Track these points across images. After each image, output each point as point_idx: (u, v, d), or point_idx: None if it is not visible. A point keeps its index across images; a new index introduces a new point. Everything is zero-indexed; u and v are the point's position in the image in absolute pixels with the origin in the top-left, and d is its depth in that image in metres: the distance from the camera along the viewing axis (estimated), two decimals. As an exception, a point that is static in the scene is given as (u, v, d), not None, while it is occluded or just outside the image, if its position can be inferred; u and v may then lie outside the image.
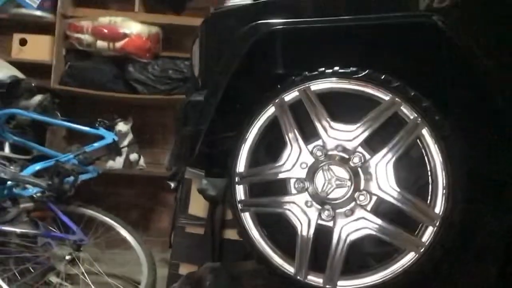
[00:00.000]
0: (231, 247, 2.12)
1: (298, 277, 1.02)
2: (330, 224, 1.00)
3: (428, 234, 0.95)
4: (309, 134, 1.04)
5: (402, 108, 0.97)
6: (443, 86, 1.02)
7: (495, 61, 0.95)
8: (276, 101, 1.07)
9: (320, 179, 1.02)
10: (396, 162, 0.97)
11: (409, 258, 0.95)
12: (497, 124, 0.99)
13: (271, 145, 1.09)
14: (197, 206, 2.20)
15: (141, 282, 2.90)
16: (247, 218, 1.07)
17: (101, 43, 3.53)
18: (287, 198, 1.04)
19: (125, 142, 3.62)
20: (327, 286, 0.99)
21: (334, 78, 1.03)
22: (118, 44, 3.53)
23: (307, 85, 1.04)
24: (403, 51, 1.05)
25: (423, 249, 0.94)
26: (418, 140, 0.97)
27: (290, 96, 1.06)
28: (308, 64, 1.09)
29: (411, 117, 0.97)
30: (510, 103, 0.96)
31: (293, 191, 1.04)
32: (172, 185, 2.52)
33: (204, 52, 1.20)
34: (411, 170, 0.97)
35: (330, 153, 1.02)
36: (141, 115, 3.84)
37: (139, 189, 3.88)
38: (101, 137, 3.18)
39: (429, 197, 0.95)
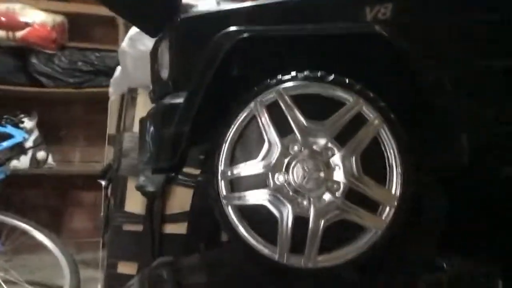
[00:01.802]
0: (171, 242, 2.17)
1: (281, 261, 1.14)
2: (307, 211, 1.15)
3: (386, 214, 1.15)
4: (284, 131, 1.16)
5: (364, 108, 1.15)
6: (386, 87, 1.22)
7: (425, 63, 1.18)
8: (254, 102, 1.17)
9: (296, 171, 1.16)
10: (359, 154, 1.15)
11: (373, 235, 1.14)
12: (431, 121, 1.22)
13: (245, 143, 1.20)
14: (134, 203, 2.21)
15: (64, 286, 2.80)
16: (230, 212, 1.17)
17: (-3, 33, 3.25)
18: (267, 191, 1.16)
19: (31, 140, 3.40)
20: (308, 265, 1.13)
21: (306, 82, 1.17)
22: (19, 34, 3.29)
23: (282, 87, 1.17)
24: (351, 57, 1.23)
25: (384, 226, 1.13)
26: (377, 135, 1.15)
27: (266, 97, 1.17)
28: (274, 69, 1.22)
29: (372, 116, 1.15)
30: (440, 100, 1.20)
31: (272, 184, 1.16)
32: (103, 183, 2.47)
33: (175, 56, 1.25)
34: (372, 160, 1.15)
35: (304, 148, 1.16)
36: (46, 110, 3.62)
37: (47, 189, 3.68)
38: (8, 136, 2.97)
39: (387, 182, 1.15)
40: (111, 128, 2.71)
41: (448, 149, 1.22)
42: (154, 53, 1.40)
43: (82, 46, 3.45)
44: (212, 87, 1.17)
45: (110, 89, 2.80)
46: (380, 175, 1.16)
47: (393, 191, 1.15)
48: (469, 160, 1.17)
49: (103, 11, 3.46)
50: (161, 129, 1.20)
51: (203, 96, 1.16)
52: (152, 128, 1.31)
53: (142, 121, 1.44)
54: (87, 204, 3.76)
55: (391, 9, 1.21)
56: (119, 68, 2.59)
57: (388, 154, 1.15)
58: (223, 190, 1.17)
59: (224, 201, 1.17)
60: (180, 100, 1.19)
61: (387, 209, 1.15)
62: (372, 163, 1.16)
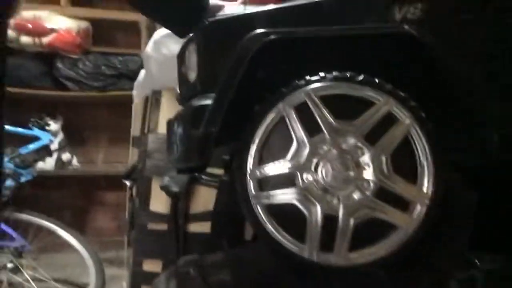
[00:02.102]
0: (195, 241, 2.20)
1: (311, 258, 1.16)
2: (336, 209, 1.16)
3: (417, 212, 1.15)
4: (313, 131, 1.17)
5: (394, 107, 1.15)
6: (417, 87, 1.22)
7: (458, 62, 1.18)
8: (282, 103, 1.19)
9: (325, 170, 1.17)
10: (390, 153, 1.15)
11: (404, 233, 1.14)
12: (461, 119, 1.22)
13: (274, 143, 1.21)
14: (159, 203, 2.24)
15: (90, 284, 2.85)
16: (259, 211, 1.18)
17: (25, 39, 3.34)
18: (295, 190, 1.17)
19: (56, 142, 3.48)
20: (338, 262, 1.14)
21: (335, 82, 1.17)
22: (45, 40, 3.37)
23: (310, 88, 1.18)
24: (381, 57, 1.23)
25: (415, 224, 1.14)
26: (408, 134, 1.15)
27: (295, 98, 1.18)
28: (300, 70, 1.23)
29: (403, 115, 1.15)
30: (473, 100, 1.20)
31: (301, 183, 1.17)
32: (128, 183, 2.51)
33: (203, 58, 1.27)
34: (403, 158, 1.16)
35: (333, 147, 1.17)
36: (71, 113, 3.70)
37: (72, 190, 3.75)
38: (35, 138, 3.04)
39: (418, 180, 1.15)
40: (135, 130, 2.75)
41: (478, 144, 1.22)
42: (181, 56, 1.42)
43: (105, 50, 3.52)
44: (240, 88, 1.19)
45: (134, 92, 2.85)
46: (411, 174, 1.16)
47: (424, 189, 1.15)
48: (499, 155, 1.16)
49: (126, 16, 3.54)
50: (190, 130, 1.22)
51: (231, 98, 1.18)
52: (180, 129, 1.33)
53: (170, 123, 1.47)
54: (110, 204, 3.83)
55: (420, 8, 1.21)
56: (143, 72, 2.64)
57: (419, 152, 1.15)
58: (252, 190, 1.19)
59: (253, 201, 1.19)
60: (208, 101, 1.21)
61: (418, 207, 1.15)
62: (402, 162, 1.16)
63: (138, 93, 2.74)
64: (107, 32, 3.68)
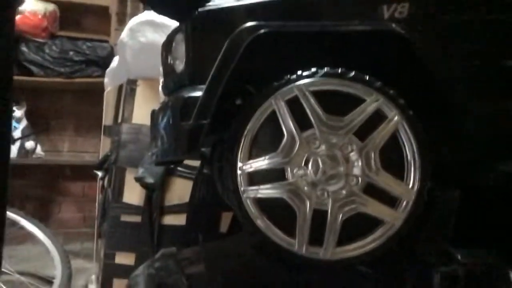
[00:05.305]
0: (170, 233, 2.17)
1: (300, 252, 1.16)
2: (326, 204, 1.17)
3: (403, 207, 1.18)
4: (303, 126, 1.18)
5: (383, 105, 1.17)
6: (402, 84, 1.25)
7: (441, 60, 1.21)
8: (274, 96, 1.18)
9: (314, 165, 1.17)
10: (378, 149, 1.17)
11: (390, 228, 1.17)
12: (446, 116, 1.26)
13: (264, 137, 1.21)
14: (132, 194, 2.20)
15: (56, 277, 2.77)
16: (249, 205, 1.18)
17: (-14, 19, 3.15)
18: (286, 184, 1.17)
19: (19, 129, 3.34)
20: (326, 256, 1.16)
21: (326, 78, 1.18)
22: (9, 21, 3.19)
23: (302, 83, 1.18)
24: (369, 54, 1.25)
25: (401, 220, 1.17)
26: (396, 131, 1.18)
27: (286, 92, 1.18)
28: (292, 64, 1.23)
29: (391, 112, 1.17)
30: (456, 98, 1.24)
31: (291, 177, 1.18)
32: (100, 174, 2.44)
33: (192, 49, 1.25)
34: (391, 155, 1.18)
35: (323, 142, 1.17)
36: (35, 99, 3.55)
37: (36, 179, 3.62)
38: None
39: (405, 177, 1.18)
40: (107, 119, 2.68)
41: (459, 143, 1.26)
42: (167, 45, 1.39)
43: (73, 35, 3.39)
44: (231, 81, 1.17)
45: (106, 80, 2.77)
46: (398, 170, 1.18)
47: (410, 186, 1.18)
48: (481, 155, 1.21)
49: (96, 0, 3.41)
50: (179, 122, 1.20)
51: (222, 91, 1.16)
52: (167, 121, 1.30)
53: (154, 114, 1.44)
54: (76, 195, 3.73)
55: (408, 8, 1.23)
56: (116, 59, 2.56)
57: (407, 150, 1.18)
58: (241, 183, 1.18)
59: (243, 194, 1.18)
60: (198, 93, 1.19)
61: (405, 203, 1.18)
62: (390, 159, 1.18)
63: (110, 81, 2.66)
64: (75, 16, 3.55)
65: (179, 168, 2.19)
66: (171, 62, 1.35)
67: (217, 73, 1.18)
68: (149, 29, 2.18)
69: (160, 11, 1.42)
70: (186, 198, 2.18)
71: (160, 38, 1.91)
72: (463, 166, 1.31)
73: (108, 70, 2.73)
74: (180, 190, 2.20)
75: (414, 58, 1.21)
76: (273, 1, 1.29)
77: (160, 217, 2.18)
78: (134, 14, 3.01)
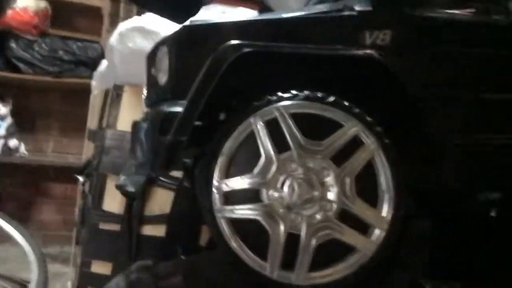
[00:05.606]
0: (149, 244, 2.14)
1: (271, 276, 1.16)
2: (299, 228, 1.16)
3: (376, 236, 1.17)
4: (281, 148, 1.17)
5: (361, 131, 1.17)
6: (380, 110, 1.25)
7: (423, 90, 1.22)
8: (253, 117, 1.18)
9: (290, 188, 1.17)
10: (354, 176, 1.17)
11: (362, 256, 1.17)
12: (422, 142, 1.26)
13: (242, 157, 1.20)
14: (113, 202, 2.16)
15: (32, 280, 2.72)
16: (223, 224, 1.17)
17: (-24, 15, 3.13)
18: (261, 206, 1.17)
19: (3, 127, 3.30)
20: (298, 281, 1.15)
21: (306, 101, 1.18)
22: (-1, 17, 3.16)
23: (282, 105, 1.18)
24: (348, 79, 1.25)
25: (373, 248, 1.16)
26: (372, 159, 1.18)
27: (266, 113, 1.18)
28: (273, 85, 1.22)
29: (368, 140, 1.17)
30: (434, 127, 1.24)
31: (266, 199, 1.17)
32: (81, 179, 2.41)
33: (176, 64, 1.24)
34: (366, 182, 1.18)
35: (300, 166, 1.17)
36: (21, 97, 3.51)
37: (17, 179, 3.57)
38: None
39: (378, 205, 1.18)
40: (92, 123, 2.65)
41: (434, 172, 1.26)
42: (152, 57, 1.38)
43: (64, 34, 3.36)
44: (211, 99, 1.17)
45: (93, 83, 2.74)
46: (373, 198, 1.18)
47: (384, 214, 1.18)
48: (459, 184, 1.21)
49: (89, 0, 3.39)
50: (158, 137, 1.19)
51: (202, 108, 1.16)
52: (146, 134, 1.29)
53: (136, 124, 1.42)
54: (57, 197, 3.67)
55: (390, 35, 1.24)
56: (104, 62, 2.54)
57: (382, 178, 1.18)
58: (216, 202, 1.17)
59: (217, 214, 1.17)
60: (179, 108, 1.18)
61: (377, 231, 1.17)
62: (365, 186, 1.18)
63: (97, 85, 2.64)
64: (67, 15, 3.52)
65: (161, 178, 2.17)
66: (155, 74, 1.35)
67: (198, 90, 1.18)
68: (139, 36, 2.16)
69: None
70: (167, 209, 2.15)
71: (149, 45, 1.89)
72: (441, 195, 1.32)
73: (96, 72, 2.71)
74: (162, 201, 2.17)
75: (394, 85, 1.21)
76: (258, 21, 1.29)
77: (139, 226, 2.15)
78: (127, 16, 3.00)
